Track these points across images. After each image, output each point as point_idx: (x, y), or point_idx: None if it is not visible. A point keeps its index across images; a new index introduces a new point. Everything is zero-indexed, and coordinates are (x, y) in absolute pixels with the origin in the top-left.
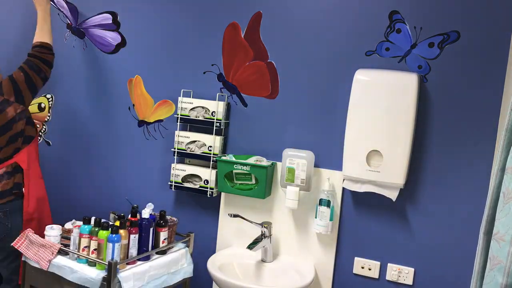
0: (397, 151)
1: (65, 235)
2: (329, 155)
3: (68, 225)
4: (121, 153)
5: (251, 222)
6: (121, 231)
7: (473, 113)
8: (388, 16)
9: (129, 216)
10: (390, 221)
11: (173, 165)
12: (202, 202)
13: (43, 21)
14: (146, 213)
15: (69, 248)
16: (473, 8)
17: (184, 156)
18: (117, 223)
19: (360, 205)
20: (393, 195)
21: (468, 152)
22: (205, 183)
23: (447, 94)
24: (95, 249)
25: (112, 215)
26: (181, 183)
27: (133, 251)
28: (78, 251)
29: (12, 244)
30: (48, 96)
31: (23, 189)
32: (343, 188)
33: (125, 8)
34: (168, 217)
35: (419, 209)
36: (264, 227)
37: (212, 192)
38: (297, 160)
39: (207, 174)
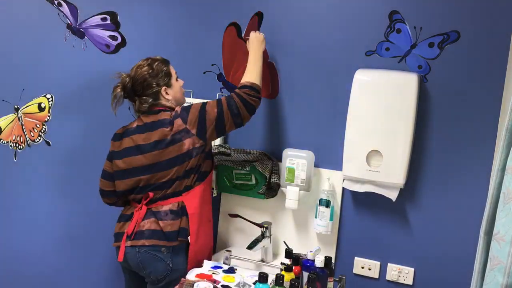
0: (397, 151)
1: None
2: (329, 155)
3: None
4: None
5: (251, 222)
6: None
7: (473, 113)
8: (388, 16)
9: (289, 261)
10: (390, 221)
11: None
12: None
13: (254, 62)
14: (319, 261)
15: None
16: (473, 8)
17: None
18: (289, 276)
19: (360, 205)
20: (393, 195)
21: (468, 152)
22: None
23: (447, 94)
24: None
25: (227, 253)
26: None
27: None
28: None
29: None
30: (48, 96)
31: (189, 237)
32: (343, 188)
33: (125, 8)
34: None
35: (419, 209)
36: (264, 227)
37: (212, 192)
38: (297, 160)
39: None
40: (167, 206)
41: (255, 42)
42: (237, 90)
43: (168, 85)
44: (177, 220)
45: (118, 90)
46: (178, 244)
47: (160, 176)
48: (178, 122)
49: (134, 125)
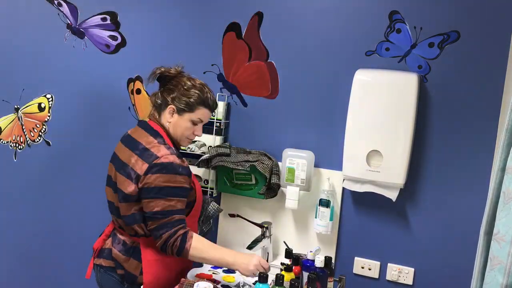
0: (397, 151)
1: None
2: (329, 155)
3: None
4: None
5: (251, 222)
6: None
7: (473, 113)
8: (388, 16)
9: (289, 261)
10: (390, 221)
11: None
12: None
13: (222, 258)
14: (318, 261)
15: None
16: (473, 8)
17: (184, 156)
18: (289, 276)
19: (360, 205)
20: (393, 195)
21: (468, 152)
22: (205, 183)
23: (447, 94)
24: None
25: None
26: None
27: None
28: None
29: None
30: (48, 96)
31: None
32: (343, 188)
33: (125, 8)
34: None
35: (419, 209)
36: (264, 227)
37: (212, 192)
38: (297, 160)
39: (207, 174)
40: (122, 237)
41: (244, 268)
42: (179, 237)
43: (180, 113)
44: (126, 257)
45: (161, 69)
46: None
47: (115, 197)
48: (144, 166)
49: (130, 131)
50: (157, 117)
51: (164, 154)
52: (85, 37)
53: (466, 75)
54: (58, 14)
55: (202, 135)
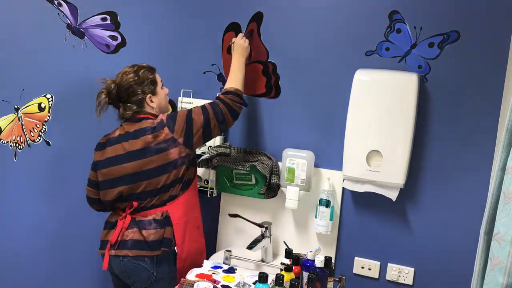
0: (397, 151)
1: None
2: (329, 155)
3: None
4: None
5: (251, 222)
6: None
7: (473, 113)
8: (388, 16)
9: (289, 261)
10: (390, 221)
11: None
12: (202, 202)
13: (238, 69)
14: (319, 261)
15: None
16: (473, 8)
17: None
18: (289, 276)
19: (360, 205)
20: (393, 195)
21: (468, 152)
22: (205, 183)
23: (447, 94)
24: None
25: (227, 254)
26: None
27: None
28: None
29: None
30: (48, 96)
31: (175, 247)
32: (343, 188)
33: (125, 8)
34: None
35: (419, 209)
36: (264, 227)
37: (212, 192)
38: (297, 160)
39: (207, 174)
40: (151, 216)
41: (240, 48)
42: (221, 96)
43: (153, 93)
44: (161, 229)
45: (103, 96)
46: (161, 253)
47: (145, 185)
48: (165, 131)
49: (117, 134)
50: (140, 111)
51: (162, 115)
52: (85, 37)
53: (466, 75)
54: (58, 14)
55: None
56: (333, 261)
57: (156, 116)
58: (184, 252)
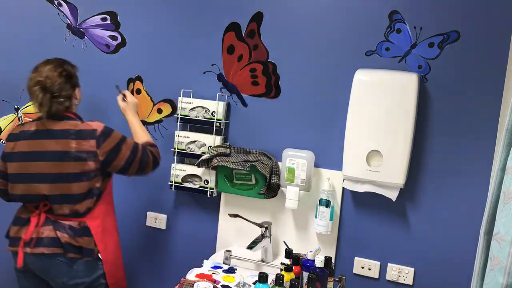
0: (397, 151)
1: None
2: (329, 155)
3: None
4: None
5: (251, 222)
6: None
7: (473, 113)
8: (388, 16)
9: (289, 261)
10: (390, 221)
11: (173, 165)
12: (202, 202)
13: (141, 126)
14: (318, 261)
15: None
16: (473, 8)
17: (184, 156)
18: (289, 276)
19: (360, 205)
20: (393, 195)
21: (468, 152)
22: (205, 183)
23: (447, 94)
24: None
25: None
26: (181, 183)
27: None
28: None
29: None
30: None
31: (99, 254)
32: (343, 188)
33: (125, 8)
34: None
35: (419, 209)
36: (264, 227)
37: (212, 192)
38: (297, 160)
39: (207, 174)
40: (66, 222)
41: (132, 108)
42: (149, 148)
43: (78, 86)
44: (78, 237)
45: (40, 93)
46: (80, 259)
47: (59, 188)
48: (91, 143)
49: (33, 128)
50: (67, 108)
51: (96, 125)
52: (85, 37)
53: (466, 75)
54: (58, 14)
55: (203, 135)
56: (333, 261)
57: (77, 116)
58: (109, 255)
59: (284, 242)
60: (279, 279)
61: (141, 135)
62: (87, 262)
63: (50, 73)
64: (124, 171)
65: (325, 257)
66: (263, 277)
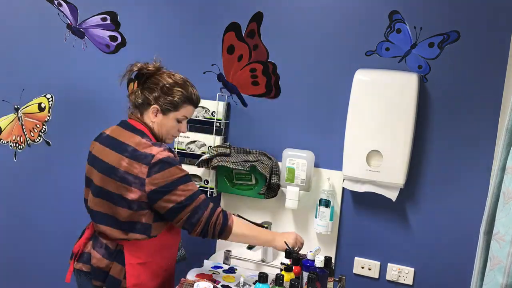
0: (397, 151)
1: None
2: (329, 155)
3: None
4: None
5: (251, 222)
6: None
7: (473, 113)
8: (388, 16)
9: (289, 261)
10: (390, 221)
11: None
12: None
13: (261, 232)
14: (318, 261)
15: None
16: (473, 8)
17: (184, 156)
18: (288, 276)
19: (360, 205)
20: (393, 195)
21: (468, 152)
22: (205, 183)
23: (447, 94)
24: None
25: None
26: None
27: None
28: None
29: None
30: (48, 96)
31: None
32: (343, 188)
33: (125, 8)
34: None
35: (419, 209)
36: (264, 227)
37: (212, 192)
38: (297, 160)
39: (207, 174)
40: (104, 240)
41: (289, 238)
42: (224, 217)
43: (164, 113)
44: (107, 260)
45: (138, 66)
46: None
47: (101, 204)
48: (143, 168)
49: (108, 132)
50: (139, 116)
51: (158, 151)
52: (85, 37)
53: (466, 75)
54: (58, 14)
55: (203, 135)
56: (333, 261)
57: (152, 133)
58: None
59: (285, 242)
60: (279, 279)
61: (252, 229)
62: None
63: (164, 73)
64: (169, 215)
65: (325, 257)
66: (263, 277)
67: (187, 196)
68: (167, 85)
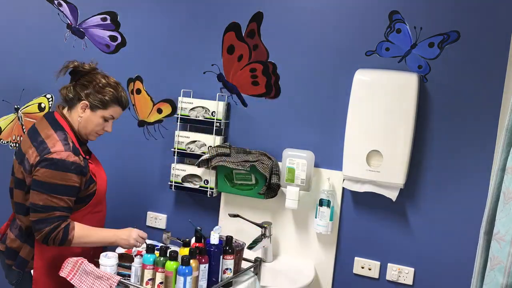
0: (397, 151)
1: (122, 263)
2: (329, 155)
3: (121, 251)
4: (121, 153)
5: (251, 222)
6: (192, 262)
7: (473, 113)
8: (388, 16)
9: (193, 241)
10: (390, 221)
11: (173, 165)
12: (202, 202)
13: (103, 237)
14: (215, 238)
15: (129, 280)
16: (473, 8)
17: (184, 156)
18: (184, 251)
19: (360, 205)
20: (393, 195)
21: (468, 152)
22: (205, 183)
23: (447, 94)
24: (161, 283)
25: (165, 235)
26: (181, 183)
27: (203, 283)
28: (141, 285)
29: (60, 273)
30: (48, 96)
31: (31, 271)
32: (343, 188)
33: (125, 8)
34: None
35: (419, 209)
36: (264, 227)
37: (212, 192)
38: (297, 160)
39: (207, 174)
40: (19, 221)
41: (126, 245)
42: (61, 231)
43: (92, 109)
44: (19, 241)
45: (75, 64)
46: (12, 268)
47: (15, 192)
48: (36, 157)
49: (36, 122)
50: (66, 110)
51: (58, 150)
52: (85, 37)
53: (466, 75)
54: (58, 14)
55: (203, 135)
56: (332, 261)
57: (72, 129)
58: (42, 276)
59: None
60: (162, 250)
61: (93, 232)
62: (19, 273)
63: (98, 73)
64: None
65: (226, 236)
66: (150, 249)
67: (45, 205)
68: (100, 84)
